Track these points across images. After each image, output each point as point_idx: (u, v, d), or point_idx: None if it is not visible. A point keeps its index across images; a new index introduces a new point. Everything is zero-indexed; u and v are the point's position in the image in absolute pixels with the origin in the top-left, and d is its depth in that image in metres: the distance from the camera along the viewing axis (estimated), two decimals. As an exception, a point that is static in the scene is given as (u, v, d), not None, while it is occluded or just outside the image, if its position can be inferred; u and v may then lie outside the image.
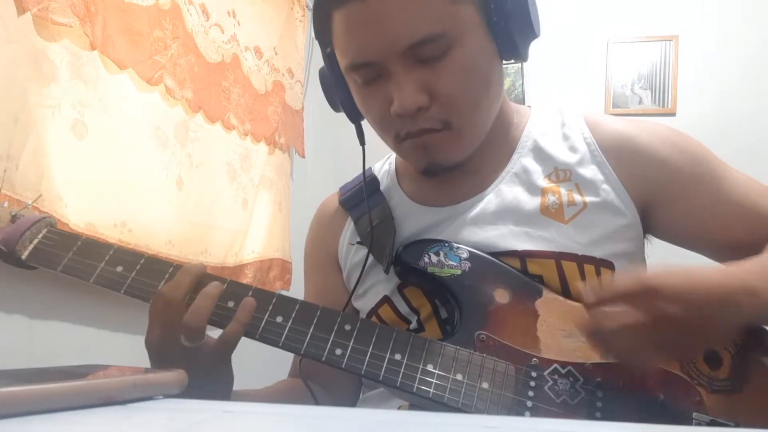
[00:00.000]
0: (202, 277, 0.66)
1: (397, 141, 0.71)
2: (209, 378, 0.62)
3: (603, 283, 0.56)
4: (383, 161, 0.89)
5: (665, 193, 0.72)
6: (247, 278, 1.88)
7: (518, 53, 0.68)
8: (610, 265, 0.69)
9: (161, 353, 0.63)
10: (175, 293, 0.62)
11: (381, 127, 0.71)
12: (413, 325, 0.74)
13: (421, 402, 0.61)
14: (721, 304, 0.56)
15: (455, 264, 0.69)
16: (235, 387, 0.71)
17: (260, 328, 0.64)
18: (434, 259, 0.69)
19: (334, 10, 0.65)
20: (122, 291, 0.66)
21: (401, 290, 0.74)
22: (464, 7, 0.64)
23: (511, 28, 0.66)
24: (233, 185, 1.83)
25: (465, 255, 0.69)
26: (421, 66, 0.64)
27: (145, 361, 0.64)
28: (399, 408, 0.70)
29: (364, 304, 0.78)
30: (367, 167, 0.86)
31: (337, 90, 0.74)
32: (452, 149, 0.70)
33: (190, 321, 0.61)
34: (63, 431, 0.30)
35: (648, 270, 0.57)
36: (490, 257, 0.70)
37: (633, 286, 0.54)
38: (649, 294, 0.53)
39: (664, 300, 0.53)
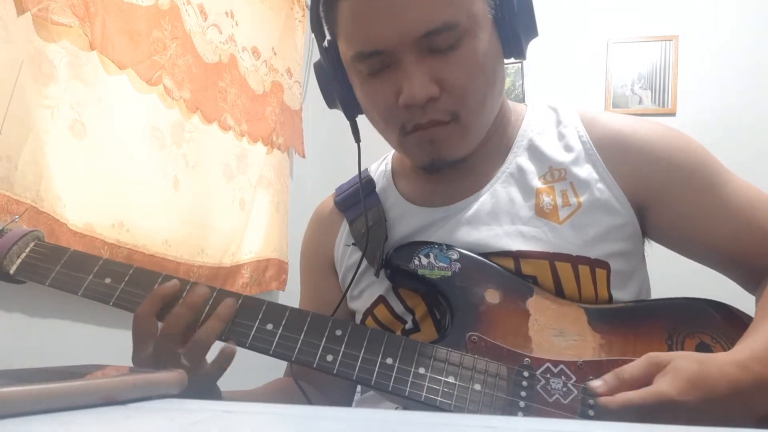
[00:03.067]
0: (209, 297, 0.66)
1: (402, 134, 0.70)
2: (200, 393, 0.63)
3: (618, 398, 0.55)
4: (380, 162, 0.89)
5: (660, 192, 0.71)
6: (243, 278, 1.88)
7: (521, 52, 0.68)
8: (605, 266, 0.69)
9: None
10: (178, 324, 0.63)
11: (386, 120, 0.70)
12: (408, 324, 0.73)
13: (413, 405, 0.61)
14: (737, 405, 0.55)
15: (445, 265, 0.68)
16: (232, 388, 0.71)
17: (251, 337, 0.64)
18: (424, 261, 0.69)
19: None
20: (111, 303, 0.66)
21: (396, 290, 0.74)
22: (477, 0, 0.64)
23: (516, 26, 0.66)
24: (230, 185, 1.83)
25: (455, 256, 0.69)
26: (432, 56, 0.64)
27: (144, 361, 0.64)
28: (396, 408, 0.69)
29: (360, 305, 0.78)
30: (363, 168, 0.85)
31: (335, 83, 0.72)
32: (458, 143, 0.70)
33: (199, 339, 0.62)
34: (63, 431, 0.30)
35: (658, 363, 0.56)
36: (480, 258, 0.69)
37: (650, 400, 0.53)
38: (666, 407, 0.53)
39: (681, 411, 0.53)
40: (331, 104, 0.76)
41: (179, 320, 0.62)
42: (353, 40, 0.65)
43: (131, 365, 0.62)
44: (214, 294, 0.66)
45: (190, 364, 0.61)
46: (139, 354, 0.63)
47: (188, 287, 0.66)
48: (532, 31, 0.67)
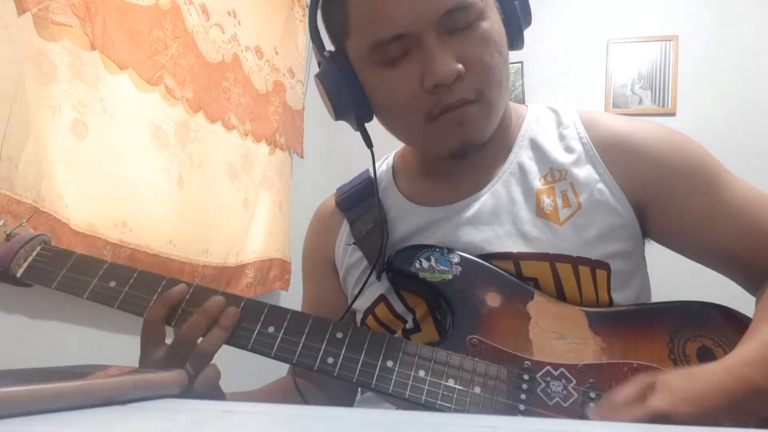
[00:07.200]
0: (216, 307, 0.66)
1: (428, 121, 0.68)
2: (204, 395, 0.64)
3: (612, 413, 0.55)
4: (381, 161, 0.89)
5: (660, 193, 0.71)
6: (247, 278, 1.89)
7: (521, 40, 0.71)
8: (605, 266, 0.69)
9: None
10: (195, 333, 0.63)
11: (410, 109, 0.68)
12: (409, 324, 0.73)
13: (413, 408, 0.61)
14: (731, 412, 0.54)
15: (446, 269, 0.69)
16: (233, 389, 0.71)
17: (252, 339, 0.64)
18: (425, 264, 0.69)
19: None
20: (115, 306, 0.67)
21: (397, 289, 0.74)
22: None
23: (518, 14, 0.69)
24: (234, 185, 1.83)
25: (456, 259, 0.69)
26: (452, 36, 0.64)
27: (144, 362, 0.65)
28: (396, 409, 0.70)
29: (361, 304, 0.78)
30: (365, 169, 0.85)
31: (344, 88, 0.69)
32: (485, 123, 0.70)
33: (204, 348, 0.62)
34: (63, 431, 0.30)
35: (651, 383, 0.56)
36: (481, 261, 0.70)
37: (644, 419, 0.53)
38: (661, 422, 0.52)
39: (674, 423, 0.52)
40: (338, 114, 0.73)
41: (196, 329, 0.63)
42: (371, 28, 0.65)
43: (131, 365, 0.62)
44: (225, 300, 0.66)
45: (194, 371, 0.61)
46: (147, 359, 0.64)
47: (191, 290, 0.67)
48: (529, 19, 0.70)
